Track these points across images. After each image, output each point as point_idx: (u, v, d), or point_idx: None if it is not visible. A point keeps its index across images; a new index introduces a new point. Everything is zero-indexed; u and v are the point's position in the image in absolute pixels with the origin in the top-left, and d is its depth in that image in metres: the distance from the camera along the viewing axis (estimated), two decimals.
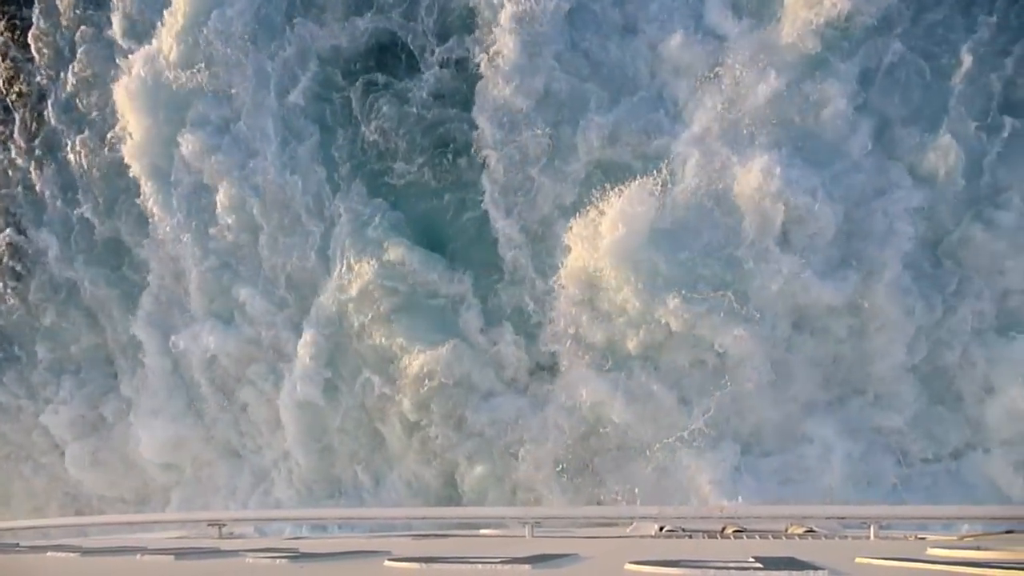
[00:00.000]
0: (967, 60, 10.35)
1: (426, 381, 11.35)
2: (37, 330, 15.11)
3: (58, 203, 14.69)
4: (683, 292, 10.23)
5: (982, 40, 10.43)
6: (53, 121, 14.64)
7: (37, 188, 14.94)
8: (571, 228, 10.93)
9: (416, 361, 11.40)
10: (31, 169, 14.96)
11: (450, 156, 12.19)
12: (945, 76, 10.53)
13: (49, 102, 14.72)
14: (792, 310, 10.35)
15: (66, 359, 15.02)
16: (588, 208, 10.83)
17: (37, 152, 14.93)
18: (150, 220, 13.53)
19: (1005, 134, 10.34)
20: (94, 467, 14.41)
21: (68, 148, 14.36)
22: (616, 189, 10.58)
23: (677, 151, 10.67)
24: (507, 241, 11.63)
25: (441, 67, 12.13)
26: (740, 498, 9.45)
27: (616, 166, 11.06)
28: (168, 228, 13.25)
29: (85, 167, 14.21)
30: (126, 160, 13.46)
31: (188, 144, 12.81)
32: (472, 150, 11.87)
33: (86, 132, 14.25)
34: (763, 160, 10.15)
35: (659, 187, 10.40)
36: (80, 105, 14.37)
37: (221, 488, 13.36)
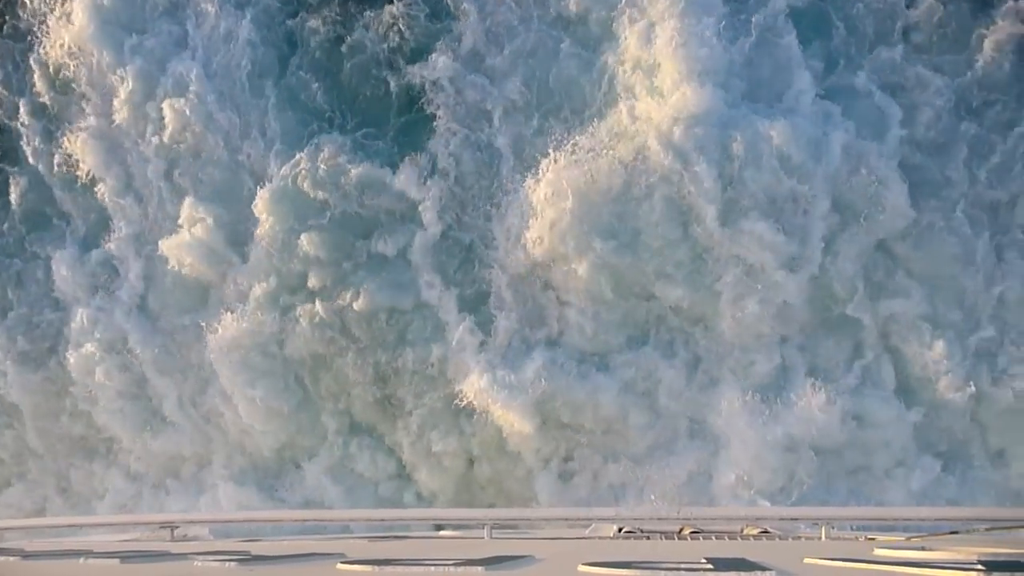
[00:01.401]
0: None
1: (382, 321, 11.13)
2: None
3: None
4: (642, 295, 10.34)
5: None
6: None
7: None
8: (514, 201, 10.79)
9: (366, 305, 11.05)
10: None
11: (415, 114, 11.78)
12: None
13: None
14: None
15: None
16: (537, 181, 10.63)
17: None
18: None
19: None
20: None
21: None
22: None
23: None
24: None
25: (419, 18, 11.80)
26: (706, 499, 9.56)
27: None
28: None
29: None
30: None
31: (131, 83, 12.11)
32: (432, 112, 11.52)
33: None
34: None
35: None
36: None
37: (183, 491, 12.80)
